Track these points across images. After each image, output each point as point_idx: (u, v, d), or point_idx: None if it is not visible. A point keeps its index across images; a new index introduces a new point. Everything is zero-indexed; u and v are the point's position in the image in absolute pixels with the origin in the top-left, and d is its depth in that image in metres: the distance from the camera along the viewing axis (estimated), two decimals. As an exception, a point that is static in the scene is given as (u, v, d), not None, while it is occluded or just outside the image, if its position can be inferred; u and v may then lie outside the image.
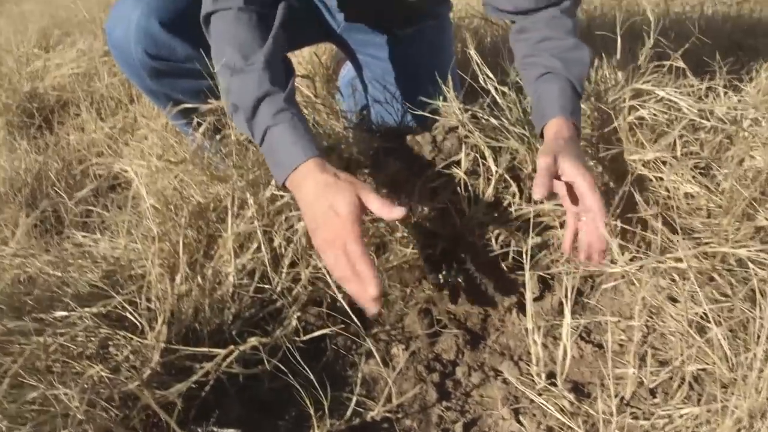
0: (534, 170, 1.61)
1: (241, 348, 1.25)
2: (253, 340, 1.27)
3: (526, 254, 1.34)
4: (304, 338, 1.38)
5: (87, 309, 1.30)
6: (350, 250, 1.24)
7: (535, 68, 1.57)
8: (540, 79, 1.55)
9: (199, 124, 1.61)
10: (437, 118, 1.72)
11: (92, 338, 1.28)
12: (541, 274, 1.52)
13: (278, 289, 1.50)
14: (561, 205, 1.52)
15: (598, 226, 1.33)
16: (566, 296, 1.31)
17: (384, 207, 1.27)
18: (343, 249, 1.24)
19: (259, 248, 1.48)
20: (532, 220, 1.42)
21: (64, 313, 1.30)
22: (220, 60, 1.45)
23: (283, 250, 1.53)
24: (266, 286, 1.49)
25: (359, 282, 1.23)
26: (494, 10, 1.66)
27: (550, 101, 1.50)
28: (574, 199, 1.38)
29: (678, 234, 1.37)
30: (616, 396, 1.23)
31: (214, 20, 1.48)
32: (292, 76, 1.50)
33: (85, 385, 1.16)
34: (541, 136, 1.52)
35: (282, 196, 1.55)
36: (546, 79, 1.54)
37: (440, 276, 1.56)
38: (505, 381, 1.36)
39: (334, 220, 1.26)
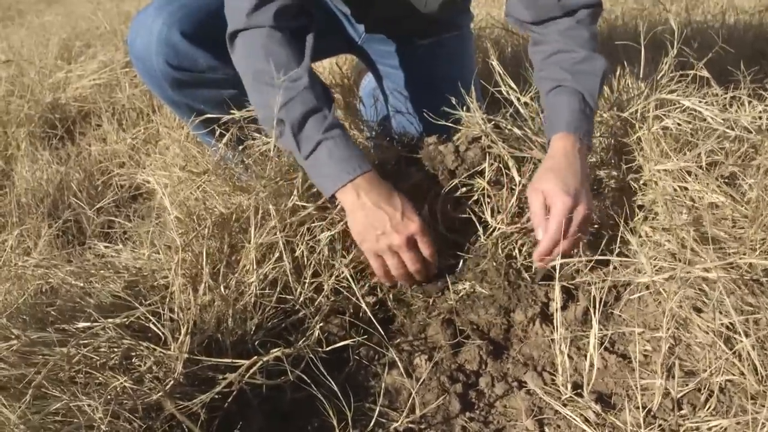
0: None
1: (265, 359, 1.24)
2: (276, 351, 1.26)
3: (557, 270, 1.33)
4: (327, 349, 1.38)
5: (110, 320, 1.30)
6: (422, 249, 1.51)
7: (546, 83, 1.59)
8: (551, 92, 1.57)
9: (222, 135, 1.62)
10: (459, 128, 1.72)
11: (115, 349, 1.28)
12: (566, 284, 1.51)
13: (300, 299, 1.50)
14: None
15: (540, 247, 1.44)
16: (594, 306, 1.30)
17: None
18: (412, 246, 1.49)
19: (280, 258, 1.48)
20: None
21: (87, 324, 1.30)
22: (252, 74, 1.50)
23: (305, 260, 1.53)
24: (288, 297, 1.50)
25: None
26: (515, 21, 1.68)
27: (557, 115, 1.53)
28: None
29: (706, 244, 1.35)
30: (642, 408, 1.22)
31: (244, 37, 1.51)
32: (332, 98, 1.55)
33: (109, 396, 1.16)
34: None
35: (304, 207, 1.56)
36: (556, 92, 1.56)
37: (464, 287, 1.56)
38: (528, 392, 1.35)
39: (407, 222, 1.48)
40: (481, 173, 1.62)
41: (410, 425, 1.29)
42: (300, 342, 1.38)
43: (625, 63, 1.98)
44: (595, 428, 1.20)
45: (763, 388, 1.16)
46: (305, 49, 1.54)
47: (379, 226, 1.46)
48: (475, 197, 1.64)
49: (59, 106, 3.04)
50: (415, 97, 2.08)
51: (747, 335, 1.19)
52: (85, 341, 1.27)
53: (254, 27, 1.50)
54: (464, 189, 1.63)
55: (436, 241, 1.54)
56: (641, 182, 1.55)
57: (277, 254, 1.49)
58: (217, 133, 1.65)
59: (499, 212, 1.59)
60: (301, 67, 1.49)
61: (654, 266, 1.40)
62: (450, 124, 1.72)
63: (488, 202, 1.61)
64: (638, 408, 1.20)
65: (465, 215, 1.63)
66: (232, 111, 1.63)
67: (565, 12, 1.58)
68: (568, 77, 1.54)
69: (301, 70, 1.48)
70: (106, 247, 1.74)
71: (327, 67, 2.81)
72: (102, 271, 1.56)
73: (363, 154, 1.49)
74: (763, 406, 1.11)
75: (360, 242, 1.50)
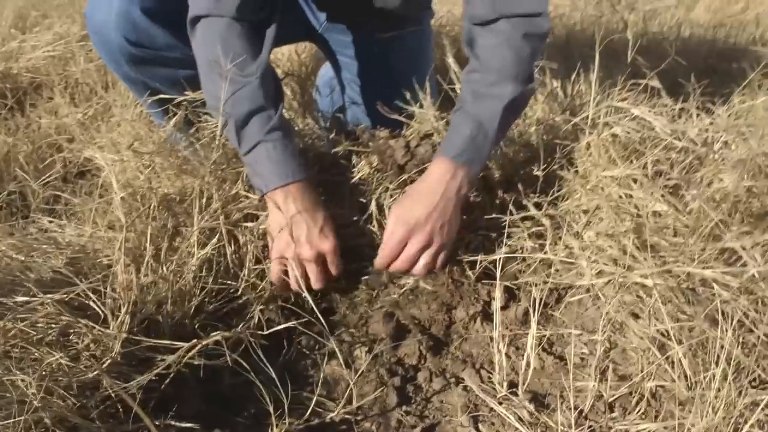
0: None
1: (204, 342, 1.23)
2: (215, 335, 1.25)
3: (498, 263, 1.34)
4: (266, 333, 1.37)
5: (49, 295, 1.28)
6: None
7: (457, 101, 1.57)
8: (454, 113, 1.55)
9: (173, 115, 1.60)
10: (412, 123, 1.72)
11: (53, 325, 1.26)
12: (508, 284, 1.53)
13: (242, 284, 1.50)
14: (532, 217, 1.54)
15: (375, 264, 1.53)
16: (534, 307, 1.32)
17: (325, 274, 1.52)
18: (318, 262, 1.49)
19: (221, 242, 1.48)
20: (506, 230, 1.42)
21: (26, 299, 1.28)
22: (208, 63, 1.50)
23: (248, 246, 1.53)
24: (231, 283, 1.49)
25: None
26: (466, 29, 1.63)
27: (447, 139, 1.52)
28: None
29: (647, 252, 1.37)
30: (574, 408, 1.24)
31: (205, 23, 1.50)
32: (282, 98, 1.54)
33: (44, 372, 1.15)
34: None
35: (247, 197, 1.56)
36: (456, 114, 1.54)
37: (407, 281, 1.57)
38: (465, 388, 1.36)
39: (323, 238, 1.49)
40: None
41: (346, 416, 1.30)
42: (240, 326, 1.38)
43: (580, 69, 2.00)
44: (528, 427, 1.21)
45: (692, 394, 1.18)
46: (264, 42, 1.54)
47: (294, 233, 1.47)
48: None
49: (11, 76, 2.97)
50: (371, 90, 2.08)
51: (680, 342, 1.22)
52: (23, 315, 1.25)
53: (216, 15, 1.49)
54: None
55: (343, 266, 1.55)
56: (588, 187, 1.57)
57: (218, 239, 1.49)
58: (169, 112, 1.63)
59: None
60: (255, 62, 1.49)
61: (595, 270, 1.43)
62: (403, 119, 1.73)
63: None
64: (570, 409, 1.22)
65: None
66: (186, 92, 1.61)
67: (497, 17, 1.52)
68: (469, 100, 1.52)
69: (254, 66, 1.49)
70: (50, 221, 1.71)
71: (286, 54, 2.79)
72: (44, 246, 1.53)
73: (301, 161, 1.50)
74: (690, 411, 1.14)
75: (271, 241, 1.51)
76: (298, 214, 1.46)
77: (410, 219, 1.45)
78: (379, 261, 1.50)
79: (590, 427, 1.22)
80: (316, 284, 1.51)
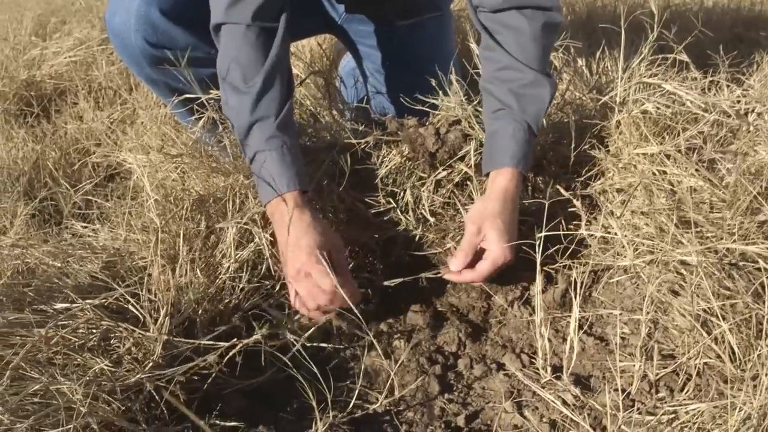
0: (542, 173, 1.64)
1: (245, 342, 1.24)
2: (256, 334, 1.26)
3: (538, 248, 1.32)
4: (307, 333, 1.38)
5: (88, 300, 1.29)
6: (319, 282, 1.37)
7: (491, 100, 1.55)
8: (495, 114, 1.53)
9: (199, 116, 1.60)
10: (437, 113, 1.71)
11: (94, 330, 1.27)
12: (545, 268, 1.51)
13: (281, 282, 1.49)
14: (566, 199, 1.52)
15: (454, 276, 1.45)
16: (575, 288, 1.30)
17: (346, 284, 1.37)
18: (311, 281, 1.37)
19: (255, 243, 1.48)
20: (545, 213, 1.40)
21: (65, 305, 1.29)
22: (221, 70, 1.51)
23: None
24: (267, 282, 1.49)
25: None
26: (472, 12, 1.61)
27: (501, 146, 1.50)
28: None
29: (684, 228, 1.35)
30: (621, 391, 1.22)
31: (225, 31, 1.51)
32: (290, 96, 1.52)
33: (88, 378, 1.15)
34: (486, 175, 1.53)
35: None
36: (499, 116, 1.52)
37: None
38: (507, 374, 1.35)
39: (301, 256, 1.38)
40: (463, 158, 1.63)
41: (389, 406, 1.30)
42: (279, 323, 1.38)
43: (605, 46, 1.97)
44: (573, 410, 1.20)
45: (740, 372, 1.16)
46: (272, 45, 1.51)
47: (291, 264, 1.41)
48: (456, 180, 1.64)
49: (34, 84, 2.98)
50: (395, 79, 2.06)
51: (724, 319, 1.20)
52: (63, 322, 1.25)
53: (233, 23, 1.48)
54: (445, 173, 1.63)
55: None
56: (620, 165, 1.55)
57: (253, 239, 1.49)
58: (195, 113, 1.63)
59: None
60: (261, 70, 1.47)
61: (634, 249, 1.41)
62: (428, 109, 1.71)
63: (468, 186, 1.61)
64: (617, 390, 1.20)
65: (446, 199, 1.64)
66: (211, 91, 1.61)
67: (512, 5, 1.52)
68: (513, 104, 1.51)
69: (259, 75, 1.47)
70: (83, 227, 1.72)
71: (306, 46, 2.78)
72: (79, 252, 1.54)
73: (299, 168, 1.47)
74: (740, 390, 1.12)
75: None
76: (291, 244, 1.40)
77: (512, 248, 1.41)
78: (468, 277, 1.43)
79: (638, 408, 1.20)
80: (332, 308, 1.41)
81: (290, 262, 1.39)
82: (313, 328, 1.40)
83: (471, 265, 1.42)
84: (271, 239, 1.50)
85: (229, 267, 1.43)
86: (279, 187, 1.43)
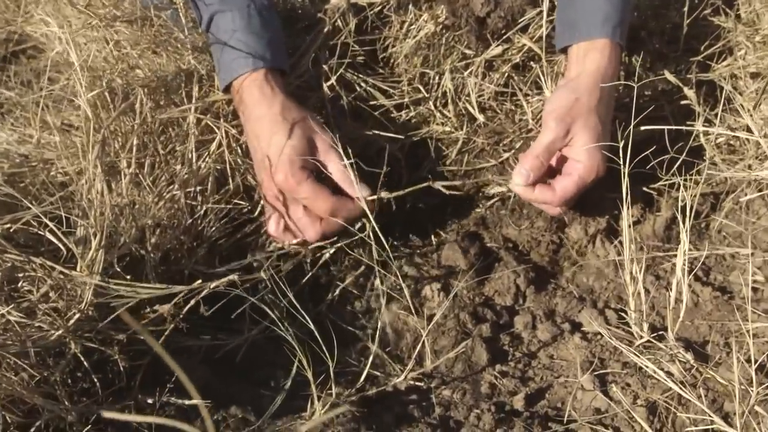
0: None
1: (212, 285, 1.23)
2: (226, 273, 1.25)
3: (623, 155, 1.30)
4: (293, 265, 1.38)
5: (-15, 226, 1.28)
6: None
7: None
8: None
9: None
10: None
11: (-7, 268, 1.26)
12: (644, 189, 1.50)
13: (260, 201, 1.49)
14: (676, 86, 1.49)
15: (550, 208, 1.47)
16: (684, 216, 1.28)
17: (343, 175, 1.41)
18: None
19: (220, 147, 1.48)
20: (636, 103, 1.38)
21: (-50, 232, 1.28)
22: None
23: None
24: (241, 203, 1.49)
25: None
26: None
27: (588, 6, 1.47)
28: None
29: None
30: (752, 361, 1.21)
31: None
32: None
33: (-15, 335, 1.15)
34: (563, 51, 1.51)
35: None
36: None
37: (499, 189, 1.54)
38: (585, 336, 1.35)
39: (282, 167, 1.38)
40: (526, 27, 1.60)
41: (417, 382, 1.29)
42: (257, 256, 1.38)
43: None
44: (683, 387, 1.19)
45: None
46: None
47: (258, 152, 1.44)
48: (516, 60, 1.62)
49: None
50: None
51: None
52: (-51, 256, 1.25)
53: None
54: (499, 48, 1.60)
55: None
56: (756, 39, 1.53)
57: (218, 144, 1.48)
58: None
59: (556, 82, 1.56)
60: None
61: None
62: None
63: (533, 69, 1.58)
64: (749, 361, 1.19)
65: (502, 88, 1.62)
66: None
67: None
68: None
69: None
70: (-25, 125, 1.71)
71: None
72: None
73: (273, 34, 1.48)
74: None
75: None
76: (263, 148, 1.41)
77: (606, 155, 1.40)
78: (549, 196, 1.42)
79: (776, 385, 1.20)
80: (309, 235, 1.44)
81: (266, 177, 1.40)
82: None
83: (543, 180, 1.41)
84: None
85: (187, 179, 1.41)
86: (244, 63, 1.43)
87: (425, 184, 1.45)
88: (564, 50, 1.50)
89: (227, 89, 1.46)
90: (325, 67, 1.58)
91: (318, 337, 1.23)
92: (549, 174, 1.42)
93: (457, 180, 1.56)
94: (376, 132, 1.58)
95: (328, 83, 1.58)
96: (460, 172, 1.59)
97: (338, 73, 1.58)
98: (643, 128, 1.29)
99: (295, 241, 1.42)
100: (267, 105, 1.40)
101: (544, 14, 1.56)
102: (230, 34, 1.43)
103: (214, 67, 1.50)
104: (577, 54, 1.47)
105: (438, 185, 1.46)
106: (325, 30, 1.60)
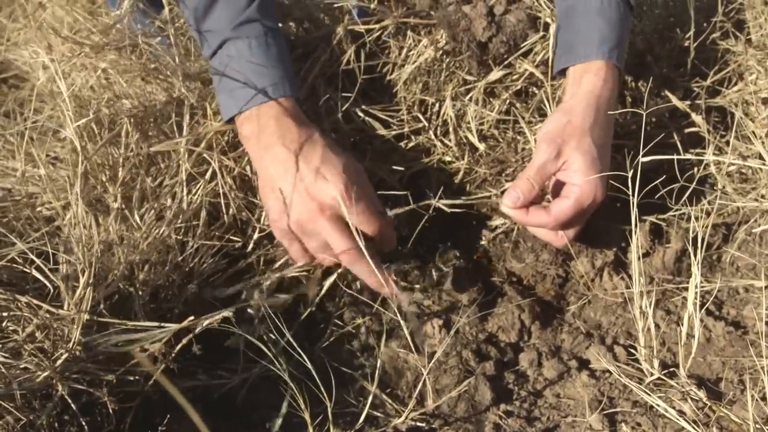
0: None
1: (206, 322, 1.23)
2: (223, 312, 1.25)
3: (632, 185, 1.31)
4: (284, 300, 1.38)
5: (-32, 263, 1.28)
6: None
7: None
8: None
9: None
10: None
11: (-26, 308, 1.27)
12: (653, 220, 1.50)
13: (253, 236, 1.49)
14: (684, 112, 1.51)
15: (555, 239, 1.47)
16: (695, 248, 1.28)
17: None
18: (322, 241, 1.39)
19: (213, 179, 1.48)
20: (644, 130, 1.39)
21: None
22: None
23: (255, 181, 1.52)
24: (234, 238, 1.50)
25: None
26: None
27: (584, 27, 1.49)
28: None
29: None
30: (766, 398, 1.21)
31: None
32: None
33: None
34: (561, 73, 1.52)
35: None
36: None
37: (502, 222, 1.55)
38: (593, 374, 1.35)
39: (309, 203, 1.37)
40: (528, 52, 1.61)
41: (418, 422, 1.29)
42: (254, 295, 1.38)
43: None
44: (695, 427, 1.19)
45: None
46: None
47: (273, 195, 1.41)
48: (519, 86, 1.63)
49: None
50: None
51: None
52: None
53: None
54: (501, 74, 1.61)
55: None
56: None
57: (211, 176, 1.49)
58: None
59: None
60: None
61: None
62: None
63: (536, 95, 1.59)
64: (764, 399, 1.19)
65: (503, 115, 1.63)
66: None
67: None
68: None
69: None
70: (-42, 158, 1.71)
71: None
72: (-48, 194, 1.54)
73: (287, 66, 1.47)
74: None
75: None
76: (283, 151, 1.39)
77: (605, 179, 1.41)
78: (544, 220, 1.41)
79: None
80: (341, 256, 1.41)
81: (295, 210, 1.38)
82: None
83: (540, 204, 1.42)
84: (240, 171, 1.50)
85: (177, 214, 1.42)
86: (261, 92, 1.41)
87: (427, 202, 1.47)
88: (563, 72, 1.51)
89: (231, 119, 1.45)
90: (324, 101, 1.59)
91: (315, 376, 1.23)
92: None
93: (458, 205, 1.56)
94: (377, 164, 1.59)
95: (331, 118, 1.59)
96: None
97: (344, 108, 1.60)
98: (650, 158, 1.29)
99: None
100: (293, 137, 1.40)
101: (551, 39, 1.57)
102: (244, 61, 1.42)
103: (209, 95, 1.51)
104: (573, 76, 1.48)
105: (440, 204, 1.48)
106: (322, 58, 1.61)
